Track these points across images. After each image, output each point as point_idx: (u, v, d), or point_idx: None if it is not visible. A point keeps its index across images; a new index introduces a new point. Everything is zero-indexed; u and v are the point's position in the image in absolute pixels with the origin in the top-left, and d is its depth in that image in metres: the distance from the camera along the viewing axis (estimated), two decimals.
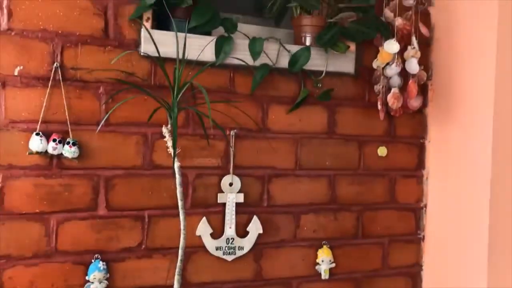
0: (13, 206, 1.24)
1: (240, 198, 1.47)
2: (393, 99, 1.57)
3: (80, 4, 1.29)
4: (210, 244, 1.44)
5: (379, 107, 1.60)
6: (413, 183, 1.75)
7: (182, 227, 1.21)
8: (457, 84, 1.66)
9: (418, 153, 1.75)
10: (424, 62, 1.70)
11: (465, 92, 1.63)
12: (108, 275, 1.32)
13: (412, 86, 1.58)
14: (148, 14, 1.35)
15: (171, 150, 1.16)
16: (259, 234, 1.50)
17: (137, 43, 1.35)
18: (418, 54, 1.59)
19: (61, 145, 1.25)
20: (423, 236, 1.76)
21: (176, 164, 1.16)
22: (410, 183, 1.74)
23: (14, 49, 1.23)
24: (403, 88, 1.61)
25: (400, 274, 1.73)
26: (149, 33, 1.28)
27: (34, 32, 1.25)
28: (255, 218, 1.49)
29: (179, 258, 1.21)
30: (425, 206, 1.76)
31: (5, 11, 1.22)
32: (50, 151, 1.24)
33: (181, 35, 1.29)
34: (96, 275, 1.29)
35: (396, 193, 1.72)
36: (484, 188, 1.53)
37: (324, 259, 1.57)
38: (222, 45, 1.42)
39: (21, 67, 1.24)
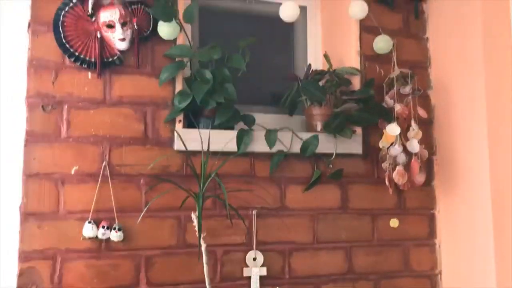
0: (69, 285, 1.46)
1: (264, 271, 1.65)
2: (398, 176, 1.74)
3: (124, 112, 1.57)
4: None
5: (387, 183, 1.78)
6: (426, 252, 1.87)
7: None
8: (460, 158, 1.83)
9: (428, 223, 1.89)
10: (427, 139, 1.88)
11: (466, 165, 1.79)
12: None
13: (415, 164, 1.76)
14: (180, 117, 1.61)
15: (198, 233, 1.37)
16: None
17: (171, 141, 1.61)
18: (419, 134, 1.78)
19: (109, 230, 1.48)
20: None
21: (203, 246, 1.37)
22: (424, 252, 1.87)
23: (71, 152, 1.51)
24: (408, 165, 1.78)
25: None
26: (179, 135, 1.53)
27: (87, 137, 1.53)
28: None
29: None
30: (440, 272, 1.87)
31: (64, 123, 1.51)
32: (100, 236, 1.48)
33: (206, 132, 1.54)
34: None
35: (411, 262, 1.85)
36: (489, 255, 1.65)
37: None
38: (242, 138, 1.65)
39: (77, 167, 1.51)
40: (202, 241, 1.36)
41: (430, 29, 1.97)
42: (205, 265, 1.37)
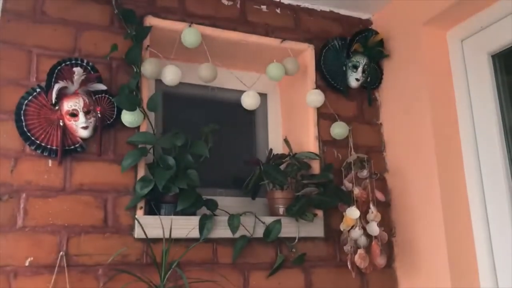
0: None
1: None
2: (360, 260, 1.76)
3: (84, 199, 1.55)
4: None
5: (349, 266, 1.78)
6: None
7: None
8: (418, 239, 1.87)
9: None
10: (386, 221, 1.93)
11: (424, 246, 1.83)
12: None
13: (375, 247, 1.78)
14: (141, 204, 1.60)
15: None
16: None
17: (132, 228, 1.58)
18: (378, 217, 1.82)
19: None
20: None
21: None
22: None
23: (26, 243, 1.46)
24: (369, 247, 1.81)
25: None
26: (139, 222, 1.52)
27: (44, 226, 1.49)
28: None
29: None
30: None
31: (21, 212, 1.47)
32: None
33: (167, 220, 1.53)
34: None
35: None
36: None
37: None
38: (205, 224, 1.65)
39: (32, 258, 1.45)
40: None
41: (383, 115, 2.09)
42: None
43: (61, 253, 1.48)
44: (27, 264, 1.44)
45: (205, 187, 1.77)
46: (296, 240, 1.77)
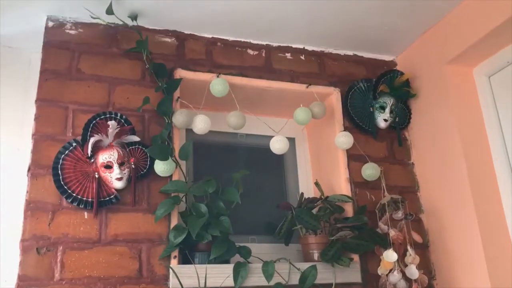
0: None
1: None
2: None
3: (119, 251, 1.56)
4: None
5: None
6: None
7: None
8: (458, 281, 1.79)
9: None
10: (425, 264, 1.87)
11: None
12: None
13: None
14: (175, 253, 1.60)
15: None
16: None
17: (166, 278, 1.57)
18: (417, 259, 1.77)
19: None
20: None
21: None
22: None
23: None
24: None
25: None
26: (174, 271, 1.51)
27: (81, 279, 1.50)
28: None
29: None
30: None
31: (58, 265, 1.49)
32: None
33: (202, 269, 1.52)
34: None
35: None
36: None
37: None
38: (239, 271, 1.63)
39: None
40: None
41: (415, 155, 2.06)
42: None
43: None
44: None
45: (237, 234, 1.76)
46: (333, 287, 1.72)
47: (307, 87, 1.97)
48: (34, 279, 1.45)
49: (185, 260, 1.64)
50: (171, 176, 1.68)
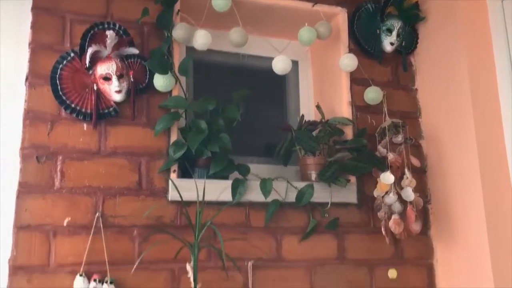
0: None
1: None
2: (394, 225, 1.73)
3: (118, 163, 1.57)
4: None
5: (384, 232, 1.76)
6: None
7: None
8: (455, 207, 1.82)
9: (427, 273, 1.86)
10: (421, 188, 1.89)
11: (461, 213, 1.78)
12: None
13: (410, 212, 1.75)
14: (174, 167, 1.61)
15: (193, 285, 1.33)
16: None
17: (165, 191, 1.60)
18: (413, 183, 1.78)
19: (101, 284, 1.44)
20: None
21: None
22: None
23: (64, 204, 1.49)
24: (403, 213, 1.77)
25: None
26: (174, 184, 1.53)
27: (81, 188, 1.52)
28: None
29: None
30: None
31: (58, 174, 1.50)
32: None
33: (201, 182, 1.54)
34: None
35: None
36: None
37: None
38: (237, 187, 1.65)
39: (69, 218, 1.49)
40: None
41: (419, 81, 2.03)
42: None
43: (97, 214, 1.51)
44: (65, 224, 1.48)
45: (236, 155, 1.77)
46: (329, 206, 1.75)
47: (313, 5, 1.90)
48: (35, 186, 1.47)
49: (184, 175, 1.65)
50: (170, 92, 1.66)
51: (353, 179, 1.81)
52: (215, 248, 1.48)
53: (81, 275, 1.43)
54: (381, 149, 1.83)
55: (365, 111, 1.91)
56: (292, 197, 1.71)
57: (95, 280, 1.44)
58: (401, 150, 1.84)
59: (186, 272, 1.47)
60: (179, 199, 1.53)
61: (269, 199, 1.67)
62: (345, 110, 1.88)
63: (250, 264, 1.64)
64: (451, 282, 1.81)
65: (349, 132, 1.86)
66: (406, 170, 1.79)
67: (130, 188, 1.57)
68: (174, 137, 1.63)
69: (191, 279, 1.36)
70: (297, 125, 1.86)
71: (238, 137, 1.77)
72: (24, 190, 1.46)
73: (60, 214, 1.48)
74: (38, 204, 1.47)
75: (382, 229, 1.76)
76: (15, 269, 1.41)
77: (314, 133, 1.83)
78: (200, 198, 1.51)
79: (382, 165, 1.79)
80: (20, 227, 1.44)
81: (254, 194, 1.67)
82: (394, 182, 1.77)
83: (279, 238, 1.71)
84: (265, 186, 1.67)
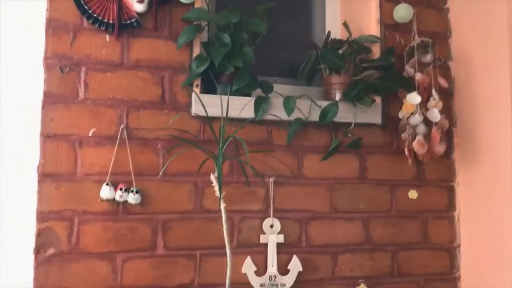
0: (86, 246, 1.46)
1: (281, 238, 1.63)
2: (418, 145, 1.71)
3: (142, 76, 1.56)
4: (254, 281, 1.59)
5: (406, 153, 1.75)
6: (445, 224, 1.84)
7: (228, 258, 1.38)
8: (480, 130, 1.79)
9: (448, 195, 1.86)
10: (447, 110, 1.85)
11: (488, 137, 1.76)
12: None
13: (435, 133, 1.72)
14: (197, 82, 1.59)
15: (218, 193, 1.36)
16: (299, 272, 1.63)
17: (188, 106, 1.59)
18: (440, 104, 1.74)
19: (127, 193, 1.47)
20: (459, 275, 1.83)
21: (222, 205, 1.36)
22: (442, 224, 1.84)
23: (88, 115, 1.50)
24: (428, 135, 1.75)
25: None
26: (199, 97, 1.52)
27: (105, 100, 1.52)
28: (294, 257, 1.64)
29: None
30: (459, 246, 1.84)
31: (82, 85, 1.50)
32: (117, 198, 1.47)
33: (225, 97, 1.52)
34: None
35: (429, 234, 1.82)
36: (509, 228, 1.62)
37: None
38: (260, 104, 1.63)
39: (94, 129, 1.50)
40: (221, 201, 1.35)
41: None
42: (224, 224, 1.36)
43: (121, 126, 1.52)
44: (90, 134, 1.50)
45: (259, 75, 1.73)
46: (352, 126, 1.73)
47: None
48: (59, 96, 1.48)
49: (206, 91, 1.64)
50: (193, 4, 1.61)
51: (378, 99, 1.78)
52: (239, 159, 1.49)
53: (107, 184, 1.47)
54: (409, 69, 1.78)
55: (393, 30, 1.84)
56: (315, 116, 1.69)
57: (121, 189, 1.47)
58: (429, 71, 1.78)
59: (210, 184, 1.49)
60: (202, 114, 1.52)
61: (292, 117, 1.66)
62: (373, 28, 1.82)
63: (271, 180, 1.65)
64: (471, 204, 1.82)
65: (376, 51, 1.80)
66: (433, 91, 1.75)
67: (154, 102, 1.57)
68: (197, 51, 1.60)
69: (216, 188, 1.38)
70: (322, 43, 1.80)
71: (261, 55, 1.73)
72: (49, 100, 1.47)
73: (85, 125, 1.49)
74: (63, 114, 1.48)
75: (405, 150, 1.75)
76: (44, 176, 1.44)
77: (340, 51, 1.77)
78: (224, 113, 1.50)
79: (409, 85, 1.74)
80: (46, 136, 1.46)
81: (277, 111, 1.65)
82: (420, 103, 1.73)
83: (300, 157, 1.71)
84: (289, 103, 1.65)
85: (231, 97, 1.58)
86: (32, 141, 1.45)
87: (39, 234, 1.42)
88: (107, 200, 1.46)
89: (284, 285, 1.61)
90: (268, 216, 1.64)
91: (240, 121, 1.58)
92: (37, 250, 1.42)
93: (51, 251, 1.42)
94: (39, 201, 1.43)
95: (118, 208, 1.49)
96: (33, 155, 1.45)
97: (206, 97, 1.57)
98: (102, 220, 1.48)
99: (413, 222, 1.80)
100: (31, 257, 1.41)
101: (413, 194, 1.81)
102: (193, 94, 1.57)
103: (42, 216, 1.43)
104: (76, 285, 1.44)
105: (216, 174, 1.39)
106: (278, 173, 1.66)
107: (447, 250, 1.84)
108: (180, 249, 1.54)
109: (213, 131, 1.46)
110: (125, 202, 1.48)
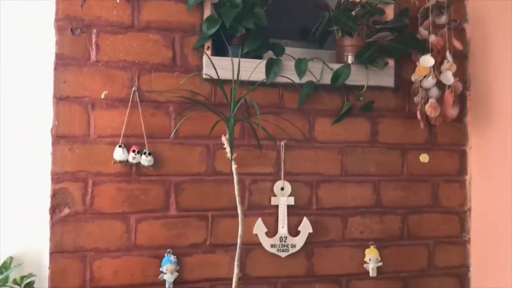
0: (100, 207, 1.49)
1: (291, 201, 1.65)
2: (430, 109, 1.70)
3: (152, 38, 1.55)
4: (265, 242, 1.62)
5: (419, 116, 1.73)
6: (456, 188, 1.85)
7: (240, 219, 1.40)
8: (494, 94, 1.77)
9: (459, 159, 1.85)
10: (461, 74, 1.82)
11: (502, 101, 1.73)
12: (178, 267, 1.53)
13: (448, 96, 1.71)
14: (208, 44, 1.58)
15: (229, 155, 1.37)
16: (310, 234, 1.66)
17: (199, 68, 1.59)
18: (454, 67, 1.72)
19: (139, 155, 1.49)
20: (469, 238, 1.84)
21: (234, 166, 1.37)
22: (453, 188, 1.84)
23: (100, 77, 1.50)
24: (440, 99, 1.73)
25: (447, 274, 1.82)
26: (210, 59, 1.51)
27: (116, 62, 1.52)
28: (305, 219, 1.66)
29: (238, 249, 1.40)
30: (469, 209, 1.85)
31: (93, 47, 1.50)
32: (130, 160, 1.48)
33: (236, 59, 1.51)
34: (168, 267, 1.50)
35: (440, 198, 1.82)
36: None
37: (372, 258, 1.69)
38: (271, 66, 1.62)
39: (106, 92, 1.51)
40: (233, 162, 1.36)
41: None
42: (236, 185, 1.37)
43: (133, 88, 1.52)
44: (102, 96, 1.50)
45: (271, 37, 1.71)
46: (365, 89, 1.72)
47: None
48: (71, 58, 1.48)
49: (218, 54, 1.62)
50: None
51: (391, 62, 1.76)
52: (250, 121, 1.50)
53: (120, 146, 1.48)
54: (423, 31, 1.75)
55: None
56: (327, 79, 1.68)
57: (134, 151, 1.49)
58: (443, 33, 1.75)
59: (221, 147, 1.50)
60: (214, 76, 1.52)
61: (304, 80, 1.65)
62: None
63: (283, 143, 1.66)
64: (483, 169, 1.81)
65: (390, 13, 1.77)
66: (447, 53, 1.72)
67: (165, 64, 1.56)
68: (207, 12, 1.59)
69: (227, 150, 1.38)
70: (335, 4, 1.77)
71: (273, 17, 1.70)
72: (61, 62, 1.47)
73: (97, 87, 1.50)
74: (75, 77, 1.48)
75: (418, 113, 1.73)
76: (58, 138, 1.46)
77: (352, 13, 1.74)
78: (235, 76, 1.49)
79: (423, 47, 1.71)
80: (59, 98, 1.47)
81: (289, 74, 1.64)
82: (434, 66, 1.70)
83: (312, 120, 1.71)
84: (300, 66, 1.64)
85: (242, 60, 1.56)
86: (45, 103, 1.47)
87: (54, 194, 1.45)
88: (120, 162, 1.48)
89: (294, 246, 1.64)
90: (279, 178, 1.65)
91: (251, 84, 1.57)
92: (53, 210, 1.45)
93: (66, 211, 1.46)
94: (54, 163, 1.46)
95: (131, 170, 1.51)
96: (47, 117, 1.46)
97: (217, 59, 1.56)
98: (116, 182, 1.50)
99: (424, 185, 1.81)
100: (47, 217, 1.45)
101: (424, 158, 1.81)
102: (204, 56, 1.56)
103: (57, 177, 1.46)
104: (91, 244, 1.47)
105: (227, 136, 1.40)
106: (289, 136, 1.67)
107: (457, 214, 1.84)
108: (193, 210, 1.57)
109: (224, 93, 1.46)
110: (138, 164, 1.50)
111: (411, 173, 1.80)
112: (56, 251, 1.44)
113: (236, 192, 1.39)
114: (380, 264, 1.70)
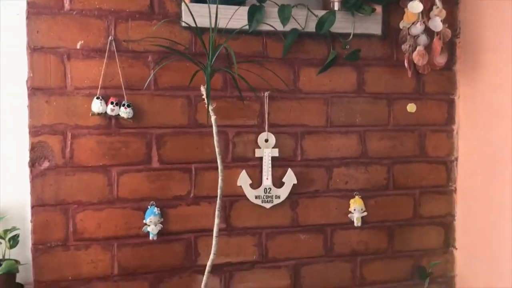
0: (80, 160, 1.47)
1: (275, 152, 1.63)
2: (418, 56, 1.66)
3: None
4: (250, 193, 1.61)
5: (406, 65, 1.69)
6: (444, 137, 1.83)
7: (219, 170, 1.39)
8: (485, 41, 1.71)
9: (447, 109, 1.83)
10: (451, 20, 1.77)
11: (492, 49, 1.68)
12: (162, 219, 1.53)
13: (436, 43, 1.66)
14: None
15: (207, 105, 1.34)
16: (294, 185, 1.65)
17: (178, 16, 1.53)
18: (443, 13, 1.66)
19: (118, 107, 1.46)
20: (455, 188, 1.84)
21: (213, 117, 1.34)
22: (441, 137, 1.82)
23: (75, 26, 1.45)
24: (429, 47, 1.69)
25: (432, 223, 1.83)
26: (187, 6, 1.45)
27: (91, 11, 1.46)
28: (289, 170, 1.65)
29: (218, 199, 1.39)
30: (456, 159, 1.84)
31: None
32: (109, 112, 1.45)
33: (213, 5, 1.45)
34: (152, 219, 1.50)
35: (427, 147, 1.81)
36: (509, 142, 1.59)
37: (356, 208, 1.70)
38: (254, 13, 1.56)
39: (82, 42, 1.46)
40: (211, 112, 1.33)
41: None
42: (215, 135, 1.35)
43: (110, 38, 1.47)
44: (78, 47, 1.45)
45: None
46: (351, 37, 1.67)
47: None
48: (43, 6, 1.42)
49: (199, 1, 1.56)
50: None
51: (378, 8, 1.69)
52: (229, 70, 1.45)
53: (98, 98, 1.45)
54: None
55: None
56: (312, 26, 1.62)
57: (112, 103, 1.45)
58: None
59: (203, 99, 1.46)
60: (193, 24, 1.46)
61: (288, 27, 1.59)
62: None
63: (266, 94, 1.62)
64: (471, 118, 1.79)
65: None
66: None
67: (142, 12, 1.50)
68: None
69: (205, 101, 1.35)
70: None
71: None
72: (34, 10, 1.41)
73: (72, 37, 1.45)
74: (49, 26, 1.43)
75: (405, 61, 1.69)
76: (34, 90, 1.42)
77: None
78: (213, 23, 1.43)
79: None
80: (34, 49, 1.42)
81: (272, 22, 1.58)
82: (422, 12, 1.65)
83: (296, 70, 1.67)
84: (284, 12, 1.58)
85: (222, 6, 1.50)
86: (19, 53, 1.42)
87: (32, 148, 1.43)
88: (99, 114, 1.45)
89: (278, 196, 1.63)
90: (263, 130, 1.62)
91: (233, 32, 1.52)
92: (32, 164, 1.43)
93: (45, 164, 1.44)
94: (31, 116, 1.43)
95: (110, 122, 1.48)
96: (21, 69, 1.42)
97: (195, 6, 1.50)
98: (95, 134, 1.47)
99: (411, 135, 1.79)
100: (27, 170, 1.43)
101: (411, 107, 1.78)
102: (183, 4, 1.50)
103: (34, 130, 1.43)
104: (73, 197, 1.46)
105: (205, 85, 1.36)
106: (273, 87, 1.63)
107: (444, 164, 1.83)
108: (176, 162, 1.55)
109: (202, 41, 1.41)
110: (118, 116, 1.47)
111: (398, 123, 1.77)
112: (38, 205, 1.44)
113: (216, 144, 1.37)
114: (365, 214, 1.71)
